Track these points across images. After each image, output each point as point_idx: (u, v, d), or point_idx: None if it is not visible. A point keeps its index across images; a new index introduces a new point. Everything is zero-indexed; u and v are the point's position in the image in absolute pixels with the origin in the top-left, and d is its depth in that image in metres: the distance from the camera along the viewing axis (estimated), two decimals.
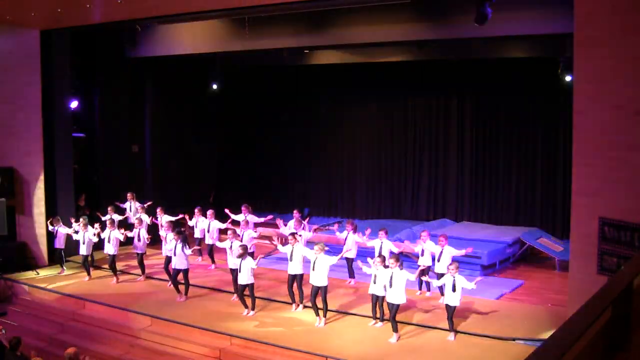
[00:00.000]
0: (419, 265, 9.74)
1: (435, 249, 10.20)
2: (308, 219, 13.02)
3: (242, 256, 9.66)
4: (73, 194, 14.15)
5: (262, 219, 12.35)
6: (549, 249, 13.08)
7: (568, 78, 11.88)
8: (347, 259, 11.09)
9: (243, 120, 18.68)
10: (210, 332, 9.46)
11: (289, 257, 9.93)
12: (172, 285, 11.14)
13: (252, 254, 10.39)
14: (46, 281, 12.35)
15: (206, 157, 18.71)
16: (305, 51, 15.24)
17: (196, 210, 12.79)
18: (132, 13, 11.68)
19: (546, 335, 8.49)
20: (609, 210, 7.51)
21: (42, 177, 13.41)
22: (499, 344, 8.60)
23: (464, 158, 15.96)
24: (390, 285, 8.68)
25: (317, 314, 9.48)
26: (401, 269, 8.73)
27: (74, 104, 14.34)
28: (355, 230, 11.18)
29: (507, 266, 13.03)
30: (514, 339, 8.75)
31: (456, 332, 8.82)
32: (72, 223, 12.54)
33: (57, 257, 12.94)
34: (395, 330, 8.77)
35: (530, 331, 8.89)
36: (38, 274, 12.81)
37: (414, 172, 16.69)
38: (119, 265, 12.58)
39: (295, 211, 12.41)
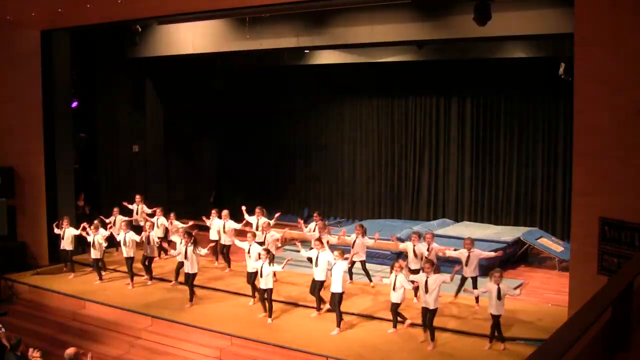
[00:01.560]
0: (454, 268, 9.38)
1: (463, 253, 9.97)
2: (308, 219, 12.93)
3: (271, 261, 9.49)
4: (73, 194, 14.15)
5: (272, 221, 12.07)
6: (549, 249, 13.08)
7: (569, 78, 11.87)
8: (358, 262, 10.83)
9: (243, 120, 18.69)
10: (211, 332, 9.46)
11: (314, 263, 9.69)
12: (175, 285, 11.06)
13: (273, 257, 9.96)
14: (47, 281, 12.35)
15: (206, 157, 18.71)
16: (306, 51, 15.24)
17: (213, 212, 12.57)
18: (132, 13, 11.68)
19: (546, 335, 8.49)
20: (609, 210, 7.50)
21: (42, 177, 13.40)
22: (499, 344, 8.59)
23: (464, 158, 15.97)
24: (426, 291, 8.49)
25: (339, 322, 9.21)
26: (436, 272, 8.58)
27: (74, 104, 14.34)
28: (364, 234, 10.91)
29: (507, 266, 13.02)
30: (514, 339, 8.75)
31: (504, 340, 8.52)
32: (83, 226, 12.21)
33: (63, 259, 12.70)
34: (432, 337, 8.57)
35: (530, 331, 8.89)
36: (38, 273, 12.80)
37: (414, 172, 16.70)
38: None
39: (315, 214, 12.14)
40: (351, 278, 11.26)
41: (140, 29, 13.10)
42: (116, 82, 15.45)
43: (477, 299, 9.86)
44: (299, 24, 12.50)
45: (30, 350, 7.91)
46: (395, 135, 16.92)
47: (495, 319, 8.42)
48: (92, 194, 15.15)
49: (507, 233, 13.65)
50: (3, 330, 8.58)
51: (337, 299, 9.16)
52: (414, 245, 10.19)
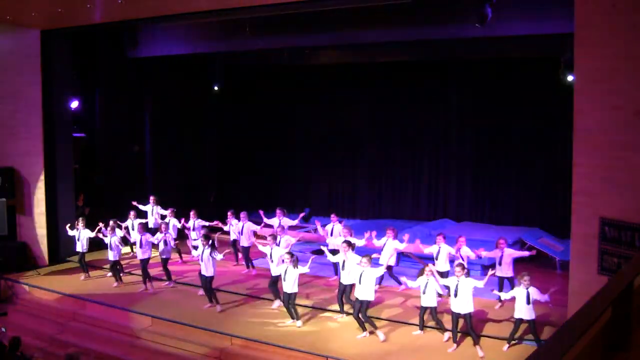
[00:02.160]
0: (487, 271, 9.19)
1: (496, 252, 9.82)
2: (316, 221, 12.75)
3: (295, 264, 9.28)
4: (73, 194, 14.14)
5: (296, 221, 11.88)
6: (550, 249, 13.07)
7: (569, 78, 11.87)
8: (387, 266, 10.37)
9: (243, 120, 18.68)
10: (211, 332, 9.46)
11: (341, 267, 9.49)
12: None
13: (297, 259, 9.59)
14: (47, 281, 12.34)
15: (206, 156, 18.71)
16: (306, 51, 15.24)
17: (229, 213, 12.42)
18: (132, 13, 11.68)
19: (546, 335, 8.49)
20: (610, 210, 7.50)
21: (42, 177, 13.41)
22: (499, 344, 8.59)
23: (464, 158, 15.97)
24: (456, 295, 8.34)
25: (364, 328, 8.97)
26: (467, 276, 8.42)
27: (74, 104, 14.35)
28: (395, 237, 10.63)
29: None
30: (514, 339, 8.75)
31: (512, 341, 8.43)
32: (99, 227, 12.00)
33: (80, 263, 12.41)
34: (477, 342, 8.37)
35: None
36: (38, 273, 12.80)
37: (415, 172, 16.70)
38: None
39: (332, 215, 11.92)
40: (399, 282, 10.72)
41: (140, 29, 13.10)
42: (116, 82, 15.45)
43: (500, 299, 9.68)
44: (300, 24, 12.49)
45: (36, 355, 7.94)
46: (395, 135, 16.92)
47: (525, 323, 8.28)
48: (92, 194, 15.15)
49: (508, 233, 13.63)
50: (4, 330, 8.59)
51: (365, 306, 8.83)
52: (440, 247, 10.05)
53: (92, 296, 11.27)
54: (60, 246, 13.61)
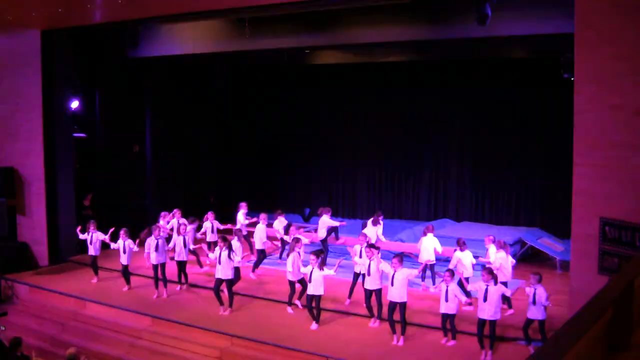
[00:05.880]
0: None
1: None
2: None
3: (321, 265, 9.13)
4: (74, 194, 14.13)
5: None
6: (550, 248, 13.08)
7: (569, 78, 11.86)
8: (427, 265, 10.43)
9: (243, 120, 18.68)
10: (211, 332, 9.46)
11: (366, 272, 9.35)
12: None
13: (323, 261, 9.53)
14: (47, 281, 12.34)
15: (207, 157, 18.71)
16: (306, 51, 15.24)
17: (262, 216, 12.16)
18: (132, 13, 11.68)
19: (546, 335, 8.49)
20: (610, 210, 7.50)
21: (42, 177, 13.39)
22: (499, 344, 8.59)
23: (464, 158, 15.98)
24: (485, 300, 8.19)
25: (394, 331, 8.81)
26: (496, 284, 8.30)
27: (74, 104, 14.34)
28: (425, 234, 10.67)
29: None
30: (514, 339, 8.75)
31: (530, 342, 8.39)
32: (112, 232, 11.83)
33: (92, 265, 12.19)
34: (490, 346, 8.26)
35: (530, 331, 8.87)
36: (39, 273, 12.80)
37: (415, 172, 16.70)
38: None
39: (375, 219, 11.65)
40: (429, 281, 10.75)
41: (141, 29, 13.08)
42: (116, 82, 15.44)
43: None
44: (299, 24, 12.50)
45: (34, 353, 7.94)
46: (395, 135, 16.92)
47: (531, 322, 8.28)
48: (92, 193, 15.13)
49: (508, 233, 13.64)
50: (3, 328, 8.59)
51: (401, 308, 8.68)
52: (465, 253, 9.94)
53: (92, 296, 11.26)
54: (61, 246, 13.60)
